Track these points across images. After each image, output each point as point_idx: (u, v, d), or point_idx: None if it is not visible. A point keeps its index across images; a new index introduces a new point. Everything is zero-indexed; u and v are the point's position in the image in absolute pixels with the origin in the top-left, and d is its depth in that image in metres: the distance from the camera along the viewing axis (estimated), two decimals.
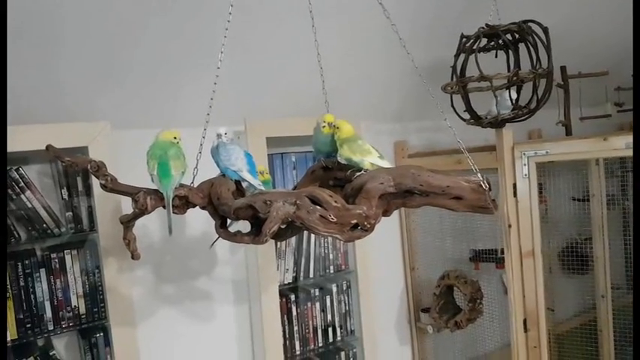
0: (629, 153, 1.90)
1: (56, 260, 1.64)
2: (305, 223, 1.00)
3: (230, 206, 1.07)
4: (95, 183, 1.62)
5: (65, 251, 1.65)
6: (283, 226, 1.06)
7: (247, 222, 1.15)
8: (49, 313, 1.62)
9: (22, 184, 1.59)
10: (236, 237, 1.08)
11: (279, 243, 1.99)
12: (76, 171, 1.66)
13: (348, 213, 1.03)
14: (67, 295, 1.65)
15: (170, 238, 1.90)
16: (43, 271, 1.62)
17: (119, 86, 1.67)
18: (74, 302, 1.66)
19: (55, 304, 1.63)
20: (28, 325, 1.58)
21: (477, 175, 1.11)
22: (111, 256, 1.64)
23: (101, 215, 1.63)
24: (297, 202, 1.00)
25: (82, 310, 1.67)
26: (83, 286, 1.67)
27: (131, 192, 1.08)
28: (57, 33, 1.43)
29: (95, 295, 1.68)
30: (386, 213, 1.15)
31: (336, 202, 1.02)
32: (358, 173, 1.21)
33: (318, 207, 1.01)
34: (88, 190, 1.67)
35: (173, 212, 1.11)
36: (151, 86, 1.71)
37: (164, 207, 1.09)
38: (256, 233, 1.05)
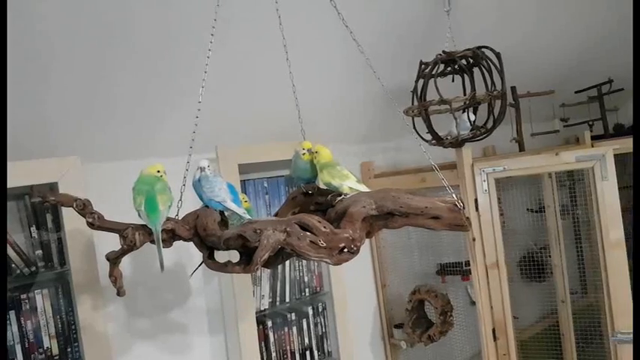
0: (579, 166, 2.06)
1: (26, 301, 1.58)
2: (296, 249, 1.03)
3: (219, 237, 1.09)
4: (65, 219, 1.58)
5: (35, 291, 1.59)
6: (273, 254, 1.08)
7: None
8: (19, 358, 1.55)
9: None
10: (227, 267, 1.09)
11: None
12: (45, 207, 1.62)
13: (336, 237, 1.07)
14: (38, 337, 1.59)
15: (142, 271, 1.88)
16: (12, 313, 1.55)
17: (87, 120, 1.65)
18: (46, 343, 1.60)
19: (27, 346, 1.57)
20: None
21: (451, 195, 1.18)
22: (84, 293, 1.60)
23: (72, 252, 1.59)
24: (287, 229, 1.04)
25: (55, 351, 1.61)
26: (55, 325, 1.62)
27: (119, 229, 1.08)
28: (22, 67, 1.40)
29: (68, 334, 1.63)
30: (369, 235, 1.20)
31: (325, 227, 1.06)
32: (339, 198, 1.26)
33: (307, 233, 1.04)
34: (58, 227, 1.64)
35: None
36: (119, 119, 1.70)
37: (152, 242, 1.09)
38: (247, 262, 1.07)
